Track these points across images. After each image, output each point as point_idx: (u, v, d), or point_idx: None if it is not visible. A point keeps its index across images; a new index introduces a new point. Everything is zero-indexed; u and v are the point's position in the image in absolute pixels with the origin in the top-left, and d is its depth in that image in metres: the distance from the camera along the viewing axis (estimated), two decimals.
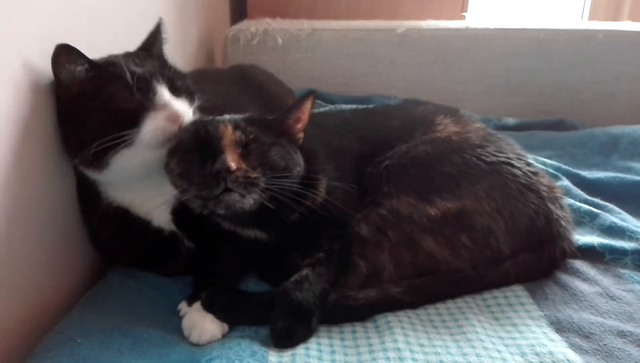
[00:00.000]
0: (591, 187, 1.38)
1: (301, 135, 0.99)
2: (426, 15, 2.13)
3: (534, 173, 1.06)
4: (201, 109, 1.03)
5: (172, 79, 0.96)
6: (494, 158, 1.03)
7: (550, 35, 1.94)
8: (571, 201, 1.25)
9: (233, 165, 0.84)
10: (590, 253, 1.08)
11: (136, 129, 0.89)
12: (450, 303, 0.95)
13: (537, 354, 0.81)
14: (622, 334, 0.85)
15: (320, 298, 0.89)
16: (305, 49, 1.98)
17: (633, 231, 1.13)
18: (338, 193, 0.98)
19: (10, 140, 0.83)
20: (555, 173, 1.41)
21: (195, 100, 1.01)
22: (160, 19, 1.05)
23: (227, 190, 0.85)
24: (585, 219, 1.21)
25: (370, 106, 1.62)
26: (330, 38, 1.98)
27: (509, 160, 1.04)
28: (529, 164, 1.08)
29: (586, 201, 1.28)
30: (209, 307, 0.90)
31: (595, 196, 1.31)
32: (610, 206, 1.27)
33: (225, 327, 0.90)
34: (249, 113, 0.98)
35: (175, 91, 0.96)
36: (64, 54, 0.88)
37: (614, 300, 0.94)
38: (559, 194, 1.08)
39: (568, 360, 0.79)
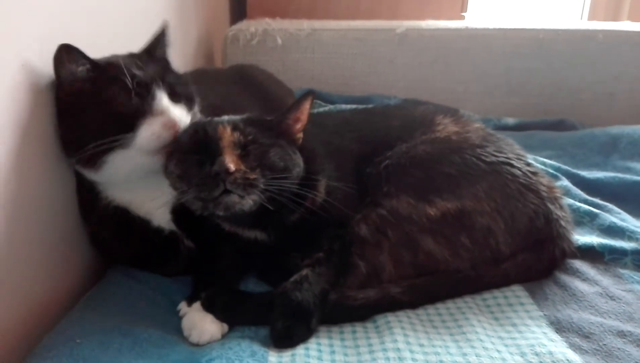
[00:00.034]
0: (591, 187, 1.38)
1: (300, 135, 0.99)
2: (426, 15, 2.13)
3: (534, 173, 1.06)
4: (201, 110, 1.03)
5: (172, 85, 0.96)
6: (493, 158, 1.03)
7: (550, 35, 1.94)
8: (571, 201, 1.25)
9: (232, 166, 0.84)
10: (589, 253, 1.08)
11: (132, 134, 0.90)
12: (450, 303, 0.95)
13: (536, 354, 0.81)
14: (621, 334, 0.85)
15: (320, 299, 0.89)
16: (305, 49, 1.98)
17: (633, 231, 1.13)
18: (338, 194, 0.98)
19: (10, 140, 0.83)
20: (555, 173, 1.41)
21: (195, 105, 1.01)
22: (166, 22, 1.05)
23: (226, 192, 0.85)
24: (585, 220, 1.21)
25: (370, 106, 1.63)
26: (330, 38, 1.98)
27: (508, 160, 1.04)
28: (528, 164, 1.08)
29: (586, 201, 1.29)
30: (208, 307, 0.90)
31: (595, 196, 1.31)
32: (610, 206, 1.27)
33: (225, 327, 0.90)
34: (247, 114, 0.98)
35: (175, 97, 0.96)
36: (66, 54, 0.88)
37: (614, 300, 0.94)
38: (558, 195, 1.08)
39: (568, 360, 0.79)
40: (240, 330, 0.90)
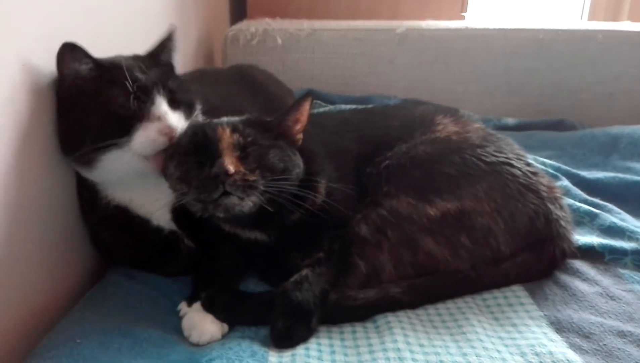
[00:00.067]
0: (591, 187, 1.38)
1: (300, 136, 0.99)
2: (426, 16, 2.13)
3: (534, 173, 1.06)
4: (203, 112, 1.03)
5: (173, 91, 0.96)
6: (493, 158, 1.03)
7: (549, 35, 1.94)
8: (571, 201, 1.25)
9: (231, 168, 0.84)
10: (590, 253, 1.08)
11: (127, 137, 0.90)
12: (450, 304, 0.95)
13: (537, 354, 0.81)
14: (622, 334, 0.85)
15: (320, 299, 0.89)
16: (305, 49, 1.98)
17: (633, 231, 1.13)
18: (338, 195, 0.98)
19: (10, 141, 0.83)
20: (555, 173, 1.41)
21: (195, 112, 1.01)
22: (174, 26, 1.05)
23: (226, 193, 0.85)
24: (585, 220, 1.21)
25: (370, 106, 1.62)
26: (330, 38, 1.98)
27: (508, 160, 1.04)
28: (528, 164, 1.08)
29: (586, 201, 1.29)
30: (208, 307, 0.90)
31: (595, 196, 1.31)
32: (610, 206, 1.27)
33: (225, 327, 0.90)
34: (247, 115, 0.98)
35: (175, 103, 0.96)
36: (69, 52, 0.89)
37: (614, 300, 0.94)
38: (558, 195, 1.08)
39: (568, 360, 0.79)
40: (240, 330, 0.90)
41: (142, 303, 0.96)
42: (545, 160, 1.48)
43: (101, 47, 0.97)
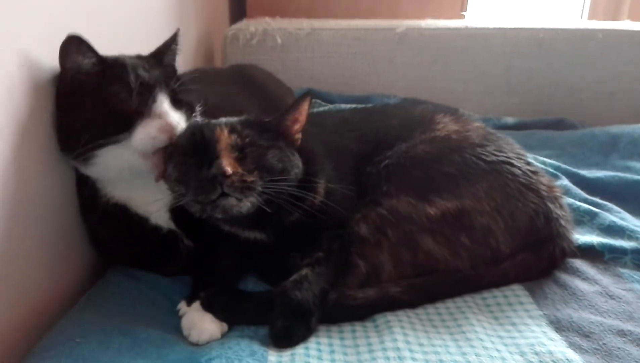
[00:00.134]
0: (591, 186, 1.38)
1: (299, 136, 0.99)
2: (425, 15, 2.13)
3: (534, 172, 1.06)
4: (203, 112, 1.03)
5: (175, 91, 0.96)
6: (493, 157, 1.03)
7: (549, 34, 1.94)
8: (571, 200, 1.25)
9: (229, 170, 0.84)
10: (589, 253, 1.08)
11: (127, 133, 0.90)
12: (449, 303, 0.95)
13: (536, 353, 0.81)
14: (621, 333, 0.85)
15: (319, 298, 0.89)
16: (305, 48, 1.98)
17: (632, 231, 1.13)
18: (337, 195, 0.98)
19: (8, 138, 0.83)
20: (555, 172, 1.41)
21: (195, 113, 1.01)
22: (178, 30, 1.06)
23: (224, 195, 0.85)
24: (585, 219, 1.21)
25: (370, 105, 1.62)
26: (330, 37, 1.98)
27: (508, 159, 1.04)
28: (528, 163, 1.08)
29: (586, 201, 1.29)
30: (208, 307, 0.90)
31: (595, 196, 1.31)
32: (610, 205, 1.27)
33: (225, 326, 0.90)
34: (245, 115, 0.98)
35: (176, 103, 0.96)
36: (74, 45, 0.88)
37: (614, 299, 0.94)
38: (558, 194, 1.08)
39: (567, 359, 0.79)
40: (239, 329, 0.90)
41: (142, 302, 0.95)
42: (545, 159, 1.48)
43: (101, 47, 0.97)
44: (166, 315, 0.93)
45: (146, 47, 1.03)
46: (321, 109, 1.74)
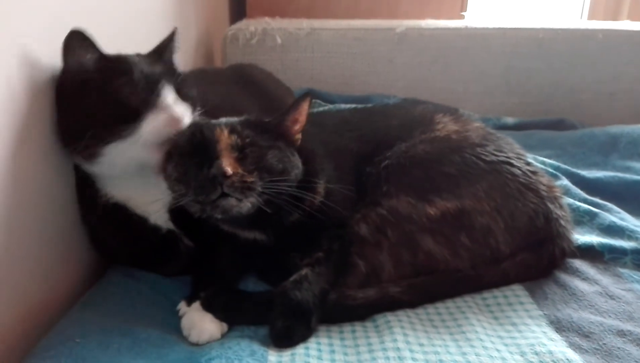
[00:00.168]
0: (590, 186, 1.38)
1: (299, 136, 0.98)
2: (425, 15, 2.14)
3: (534, 172, 1.06)
4: (203, 112, 1.03)
5: (178, 85, 0.97)
6: (493, 157, 1.03)
7: (549, 34, 1.94)
8: (570, 200, 1.25)
9: (229, 170, 0.84)
10: (589, 253, 1.08)
11: (134, 126, 0.89)
12: (449, 303, 0.95)
13: (536, 353, 0.81)
14: (621, 333, 0.85)
15: (319, 298, 0.89)
16: (305, 48, 1.98)
17: (632, 231, 1.13)
18: (336, 195, 0.98)
19: (7, 139, 0.83)
20: (555, 172, 1.41)
21: (198, 108, 1.01)
22: (175, 28, 1.06)
23: (224, 195, 0.84)
24: (585, 219, 1.21)
25: (370, 105, 1.62)
26: (330, 37, 1.98)
27: (508, 159, 1.04)
28: (528, 163, 1.08)
29: (585, 201, 1.28)
30: (208, 307, 0.90)
31: (595, 196, 1.31)
32: (610, 205, 1.27)
33: (225, 326, 0.89)
34: (245, 116, 0.98)
35: (180, 96, 0.96)
36: (77, 40, 0.88)
37: (614, 299, 0.94)
38: (558, 194, 1.08)
39: (567, 359, 0.79)
40: (239, 329, 0.90)
41: (142, 302, 0.95)
42: (545, 159, 1.48)
43: (101, 47, 0.97)
44: (166, 315, 0.93)
45: (146, 47, 1.03)
46: (321, 109, 1.73)
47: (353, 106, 1.59)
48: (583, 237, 1.11)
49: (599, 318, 0.89)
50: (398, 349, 0.82)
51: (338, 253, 0.96)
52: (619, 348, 0.82)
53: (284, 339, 0.85)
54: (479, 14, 2.56)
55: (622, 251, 1.07)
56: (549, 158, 1.52)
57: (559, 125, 1.85)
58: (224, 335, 0.89)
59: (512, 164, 1.03)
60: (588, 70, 1.94)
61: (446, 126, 1.11)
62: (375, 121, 1.17)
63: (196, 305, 0.91)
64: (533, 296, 0.95)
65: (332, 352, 0.84)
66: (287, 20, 2.07)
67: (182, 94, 0.97)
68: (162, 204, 0.97)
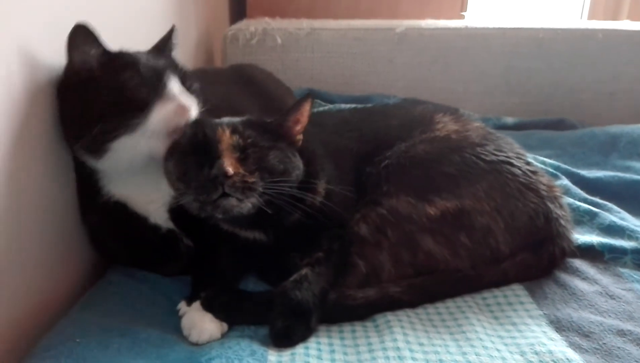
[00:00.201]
0: (590, 186, 1.38)
1: (300, 137, 0.98)
2: (425, 15, 2.14)
3: (534, 172, 1.06)
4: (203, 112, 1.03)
5: (182, 78, 0.97)
6: (493, 157, 1.03)
7: (549, 34, 1.94)
8: (570, 200, 1.25)
9: (230, 170, 0.84)
10: (589, 252, 1.08)
11: (142, 117, 0.89)
12: (449, 303, 0.95)
13: (536, 353, 0.81)
14: (621, 333, 0.85)
15: (319, 298, 0.89)
16: (305, 48, 1.98)
17: (632, 230, 1.13)
18: (337, 196, 0.98)
19: (7, 139, 0.83)
20: (555, 172, 1.41)
21: (200, 102, 1.01)
22: (173, 26, 1.07)
23: (225, 195, 0.85)
24: (585, 219, 1.21)
25: (370, 105, 1.62)
26: (330, 37, 1.98)
27: (508, 159, 1.04)
28: (528, 163, 1.08)
29: (585, 200, 1.29)
30: (208, 307, 0.90)
31: (595, 195, 1.31)
32: (610, 205, 1.27)
33: (225, 326, 0.89)
34: (247, 116, 0.98)
35: (185, 87, 0.97)
36: (82, 35, 0.89)
37: (614, 299, 0.94)
38: (558, 194, 1.08)
39: (567, 359, 0.79)
40: (239, 329, 0.90)
41: (142, 302, 0.95)
42: (545, 159, 1.48)
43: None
44: (166, 315, 0.93)
45: (146, 47, 1.04)
46: (321, 109, 1.73)
47: (353, 106, 1.59)
48: (583, 237, 1.11)
49: (599, 318, 0.89)
50: (398, 349, 0.82)
51: (338, 253, 0.96)
52: (619, 347, 0.82)
53: (284, 339, 0.85)
54: (479, 14, 2.56)
55: (622, 251, 1.07)
56: (549, 157, 1.52)
57: (559, 125, 1.85)
58: (224, 335, 0.89)
59: (512, 164, 1.03)
60: (588, 70, 1.94)
61: (446, 125, 1.11)
62: (375, 121, 1.17)
63: (196, 304, 0.91)
64: (533, 296, 0.95)
65: (332, 351, 0.84)
66: (287, 20, 2.07)
67: (187, 87, 0.98)
68: (162, 203, 0.97)
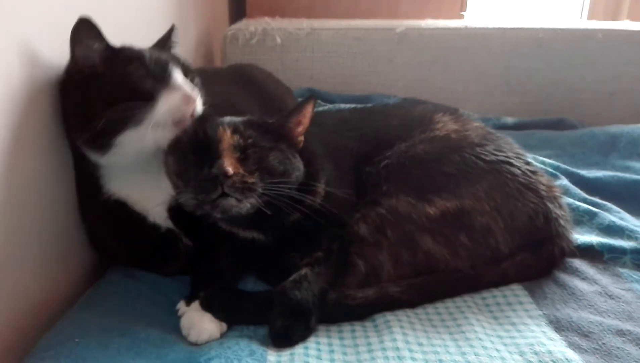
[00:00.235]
0: (590, 186, 1.38)
1: (301, 139, 0.98)
2: (425, 15, 2.14)
3: (533, 172, 1.06)
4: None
5: (185, 71, 0.98)
6: (493, 157, 1.03)
7: (549, 34, 1.94)
8: (570, 200, 1.25)
9: (230, 170, 0.84)
10: (589, 252, 1.08)
11: (148, 109, 0.89)
12: (449, 303, 0.95)
13: (536, 353, 0.81)
14: (621, 333, 0.85)
15: (319, 298, 0.89)
16: (304, 48, 1.98)
17: (632, 230, 1.13)
18: (336, 197, 0.98)
19: (7, 137, 0.83)
20: (554, 172, 1.41)
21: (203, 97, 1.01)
22: (173, 25, 1.08)
23: (224, 195, 0.85)
24: (584, 219, 1.21)
25: (369, 105, 1.62)
26: (330, 37, 1.98)
27: (508, 159, 1.04)
28: (528, 163, 1.08)
29: (585, 200, 1.29)
30: (207, 306, 0.90)
31: (594, 195, 1.31)
32: (609, 205, 1.27)
33: (224, 326, 0.89)
34: (248, 116, 0.98)
35: (189, 78, 0.98)
36: (85, 30, 0.89)
37: (613, 299, 0.94)
38: (558, 194, 1.08)
39: (567, 359, 0.79)
40: (239, 329, 0.90)
41: (141, 302, 0.95)
42: (544, 159, 1.48)
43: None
44: (165, 315, 0.93)
45: (146, 46, 1.03)
46: (321, 109, 1.73)
47: (353, 105, 1.59)
48: (582, 237, 1.11)
49: (598, 318, 0.89)
50: (397, 349, 0.82)
51: (337, 253, 0.96)
52: (618, 347, 0.82)
53: (283, 339, 0.85)
54: (479, 14, 2.56)
55: (622, 251, 1.07)
56: (549, 157, 1.52)
57: (558, 125, 1.85)
58: (223, 335, 0.89)
59: (511, 164, 1.03)
60: (588, 70, 1.94)
61: (446, 125, 1.11)
62: (375, 121, 1.17)
63: (195, 304, 0.91)
64: (532, 296, 0.95)
65: (332, 351, 0.84)
66: (287, 20, 2.07)
67: (191, 78, 0.98)
68: (161, 202, 0.97)
